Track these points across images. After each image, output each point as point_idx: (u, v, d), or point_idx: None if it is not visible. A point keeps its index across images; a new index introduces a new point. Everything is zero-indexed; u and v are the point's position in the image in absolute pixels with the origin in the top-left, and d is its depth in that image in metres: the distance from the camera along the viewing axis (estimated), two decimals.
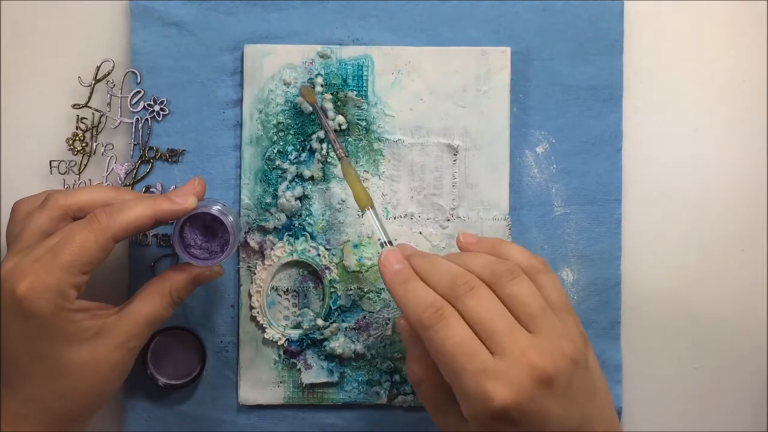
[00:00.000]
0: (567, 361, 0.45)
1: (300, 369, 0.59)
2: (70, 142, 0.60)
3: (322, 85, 0.59)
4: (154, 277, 0.54)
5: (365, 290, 0.59)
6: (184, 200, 0.52)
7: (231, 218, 0.54)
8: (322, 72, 0.59)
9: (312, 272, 0.60)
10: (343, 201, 0.59)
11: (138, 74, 0.60)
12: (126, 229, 0.50)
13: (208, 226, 0.54)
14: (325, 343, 0.59)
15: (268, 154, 0.59)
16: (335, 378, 0.59)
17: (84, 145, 0.60)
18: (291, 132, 0.59)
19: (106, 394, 0.52)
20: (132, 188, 0.59)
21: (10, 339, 0.49)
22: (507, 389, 0.44)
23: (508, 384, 0.44)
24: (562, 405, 0.45)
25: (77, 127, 0.60)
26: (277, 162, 0.59)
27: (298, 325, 0.59)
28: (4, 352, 0.50)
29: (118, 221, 0.50)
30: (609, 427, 0.48)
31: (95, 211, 0.50)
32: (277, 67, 0.59)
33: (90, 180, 0.60)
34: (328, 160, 0.59)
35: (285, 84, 0.59)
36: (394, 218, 0.59)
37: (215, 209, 0.53)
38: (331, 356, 0.59)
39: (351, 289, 0.59)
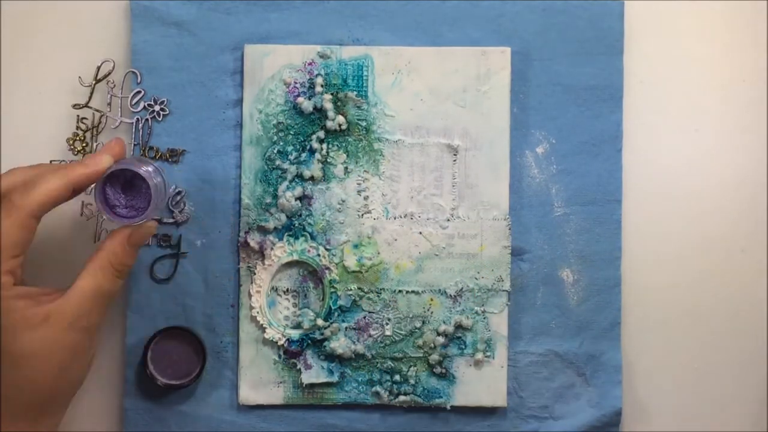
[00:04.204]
0: None
1: (300, 369, 0.59)
2: (71, 142, 0.60)
3: (322, 86, 0.59)
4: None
5: (365, 290, 0.59)
6: (99, 161, 0.51)
7: (150, 169, 0.53)
8: (322, 72, 0.59)
9: (312, 272, 0.60)
10: (343, 201, 0.59)
11: (138, 74, 0.60)
12: (43, 203, 0.50)
13: (131, 184, 0.53)
14: (325, 343, 0.59)
15: (268, 154, 0.59)
16: (335, 378, 0.59)
17: (84, 145, 0.60)
18: (291, 132, 0.59)
19: (73, 378, 0.51)
20: None
21: None
22: None
23: None
24: None
25: (77, 127, 0.60)
26: (277, 162, 0.59)
27: (298, 325, 0.59)
28: None
29: (34, 197, 0.49)
30: None
31: (9, 193, 0.50)
32: (277, 67, 0.59)
33: None
34: (328, 160, 0.59)
35: (285, 84, 0.59)
36: (394, 218, 0.59)
37: (134, 166, 0.52)
38: (331, 356, 0.59)
39: (351, 289, 0.59)
